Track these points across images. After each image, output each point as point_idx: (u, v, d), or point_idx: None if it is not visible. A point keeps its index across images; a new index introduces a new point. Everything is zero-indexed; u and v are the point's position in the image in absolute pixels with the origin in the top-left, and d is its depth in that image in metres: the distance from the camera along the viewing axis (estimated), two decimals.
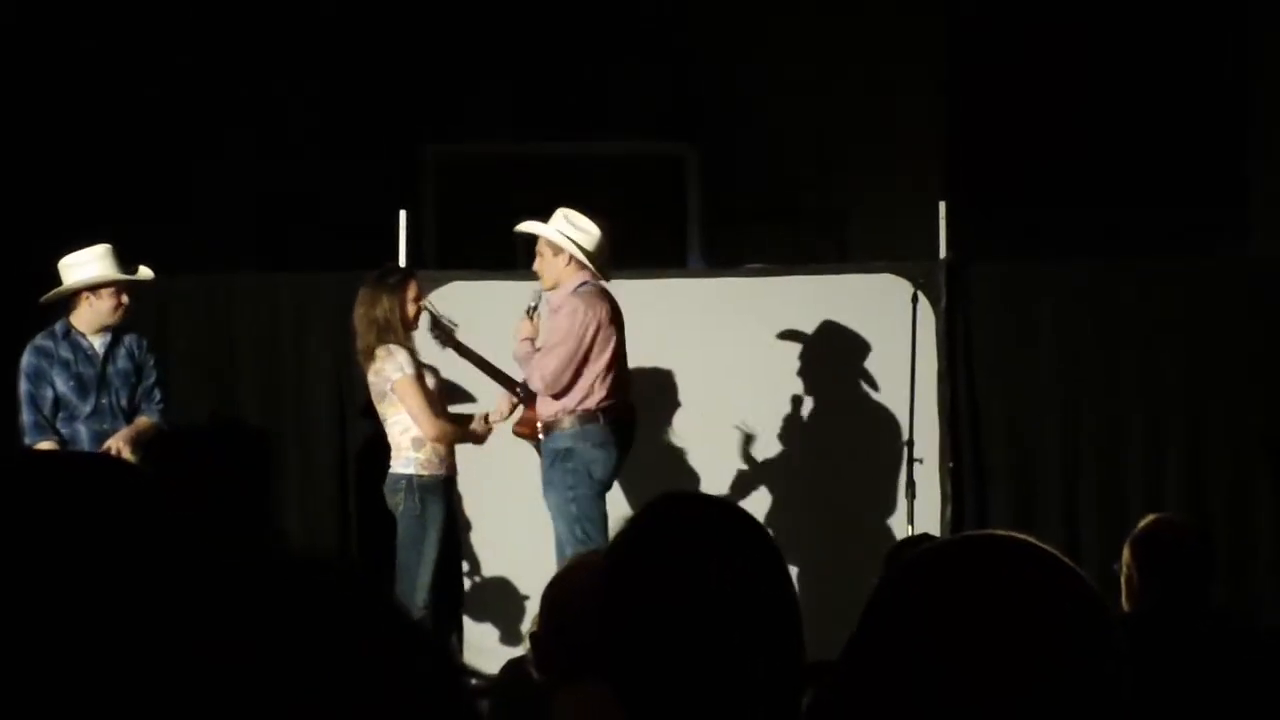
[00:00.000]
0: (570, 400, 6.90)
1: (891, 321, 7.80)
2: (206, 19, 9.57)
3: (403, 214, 8.09)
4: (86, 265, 6.94)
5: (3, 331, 7.27)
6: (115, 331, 7.04)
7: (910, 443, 7.66)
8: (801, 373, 7.95)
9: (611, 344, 6.93)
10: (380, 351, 6.86)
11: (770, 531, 2.14)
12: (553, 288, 7.01)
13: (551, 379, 6.86)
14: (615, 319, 6.97)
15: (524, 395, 7.16)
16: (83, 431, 6.93)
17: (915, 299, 7.75)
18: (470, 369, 7.41)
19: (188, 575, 0.84)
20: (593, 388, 6.90)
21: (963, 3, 10.26)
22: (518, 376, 7.17)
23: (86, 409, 6.96)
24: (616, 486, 7.03)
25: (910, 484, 7.57)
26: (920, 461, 7.65)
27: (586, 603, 2.17)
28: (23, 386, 6.95)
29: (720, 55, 10.06)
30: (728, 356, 7.91)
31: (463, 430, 7.07)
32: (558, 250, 6.94)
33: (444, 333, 7.23)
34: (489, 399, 7.42)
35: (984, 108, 10.05)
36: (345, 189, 9.32)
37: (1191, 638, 4.06)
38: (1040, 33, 10.01)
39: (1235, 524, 7.80)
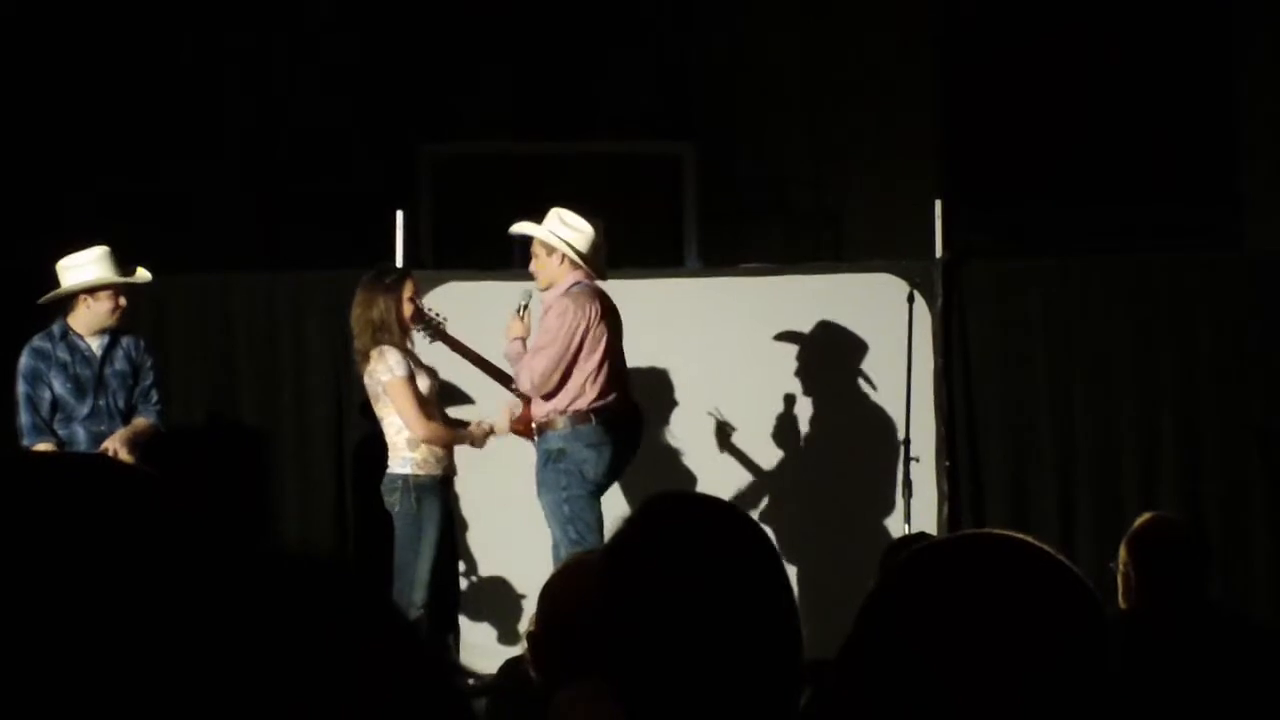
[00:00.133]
0: (561, 401, 6.89)
1: (888, 320, 7.81)
2: (205, 19, 9.57)
3: (399, 214, 8.09)
4: (84, 268, 6.94)
5: (1, 333, 7.27)
6: (113, 333, 7.04)
7: (907, 441, 7.66)
8: (798, 372, 7.96)
9: (603, 344, 6.91)
10: (374, 353, 6.86)
11: (767, 530, 2.15)
12: (548, 288, 7.00)
13: (540, 380, 6.86)
14: (607, 318, 6.96)
15: (519, 390, 7.14)
16: (80, 433, 6.93)
17: (911, 298, 7.76)
18: (470, 370, 7.39)
19: (184, 576, 0.84)
20: (584, 388, 6.89)
21: (958, 2, 10.27)
22: (510, 372, 7.16)
23: (84, 410, 6.96)
24: (615, 486, 7.03)
25: (907, 483, 7.57)
26: (917, 460, 7.65)
27: (584, 602, 2.17)
28: (20, 388, 6.95)
29: (716, 54, 10.06)
30: (724, 356, 7.91)
31: (455, 433, 7.03)
32: (551, 250, 6.94)
33: (431, 327, 7.15)
34: (487, 401, 7.41)
35: (979, 107, 10.06)
36: (342, 189, 9.32)
37: (1188, 635, 4.06)
38: (1035, 33, 10.03)
39: (1231, 521, 7.81)
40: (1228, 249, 9.37)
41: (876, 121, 9.98)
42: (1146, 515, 4.60)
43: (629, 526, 2.09)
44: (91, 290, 6.95)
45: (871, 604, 1.58)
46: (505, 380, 7.16)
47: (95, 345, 7.01)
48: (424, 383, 6.97)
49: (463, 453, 7.14)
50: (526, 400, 7.10)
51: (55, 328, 7.00)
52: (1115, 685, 1.51)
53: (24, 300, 7.03)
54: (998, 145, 9.91)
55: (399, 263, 7.77)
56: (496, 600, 7.78)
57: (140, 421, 7.02)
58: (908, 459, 7.63)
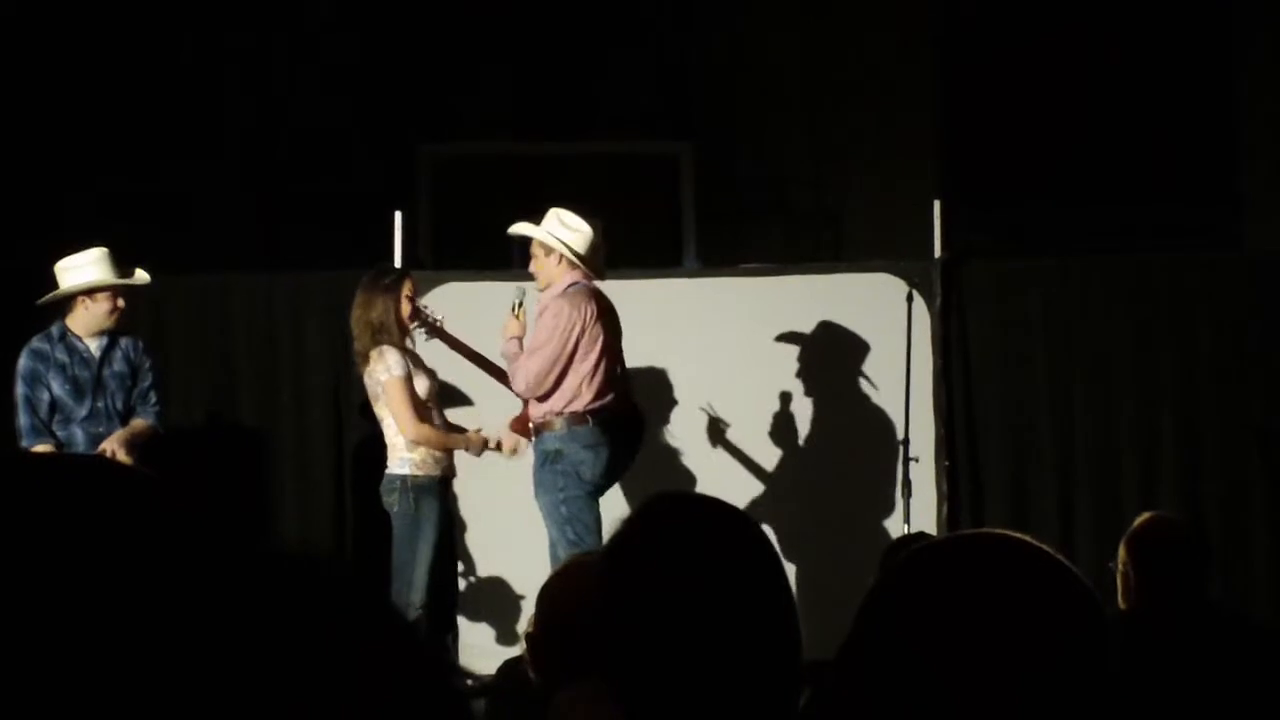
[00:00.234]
0: (557, 402, 6.88)
1: (887, 320, 7.81)
2: (205, 19, 9.57)
3: (398, 214, 8.09)
4: (83, 269, 6.93)
5: (1, 334, 7.27)
6: (111, 334, 7.03)
7: (906, 441, 7.67)
8: (797, 372, 7.96)
9: (599, 345, 6.90)
10: (374, 353, 6.86)
11: (767, 530, 2.15)
12: (547, 288, 7.00)
13: (534, 382, 6.85)
14: (604, 319, 6.95)
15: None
16: (79, 434, 6.93)
17: (910, 298, 7.76)
18: (470, 372, 7.39)
19: (182, 577, 0.84)
20: (580, 390, 6.88)
21: (958, 2, 10.27)
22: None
23: (82, 412, 6.95)
24: (615, 486, 7.02)
25: (906, 483, 7.58)
26: (916, 460, 7.66)
27: (583, 603, 2.17)
28: (19, 389, 6.95)
29: (716, 54, 10.06)
30: (723, 356, 7.91)
31: (447, 436, 7.01)
32: (550, 251, 6.94)
33: (427, 324, 7.14)
34: (487, 403, 7.41)
35: (979, 107, 10.06)
36: (341, 189, 9.32)
37: (1188, 635, 4.06)
38: (1035, 33, 10.02)
39: (1231, 521, 7.81)
40: (1228, 249, 9.37)
41: (876, 121, 9.98)
42: (1146, 515, 4.60)
43: (628, 527, 2.08)
44: (90, 292, 6.94)
45: (871, 604, 1.57)
46: (503, 378, 7.16)
47: (94, 347, 7.01)
48: (423, 384, 6.96)
49: (462, 454, 7.13)
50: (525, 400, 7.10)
51: (54, 329, 7.00)
52: (1115, 685, 1.51)
53: (24, 300, 7.03)
54: (997, 145, 9.91)
55: (398, 263, 7.77)
56: (495, 601, 7.77)
57: (138, 423, 7.02)
58: (907, 459, 7.64)
